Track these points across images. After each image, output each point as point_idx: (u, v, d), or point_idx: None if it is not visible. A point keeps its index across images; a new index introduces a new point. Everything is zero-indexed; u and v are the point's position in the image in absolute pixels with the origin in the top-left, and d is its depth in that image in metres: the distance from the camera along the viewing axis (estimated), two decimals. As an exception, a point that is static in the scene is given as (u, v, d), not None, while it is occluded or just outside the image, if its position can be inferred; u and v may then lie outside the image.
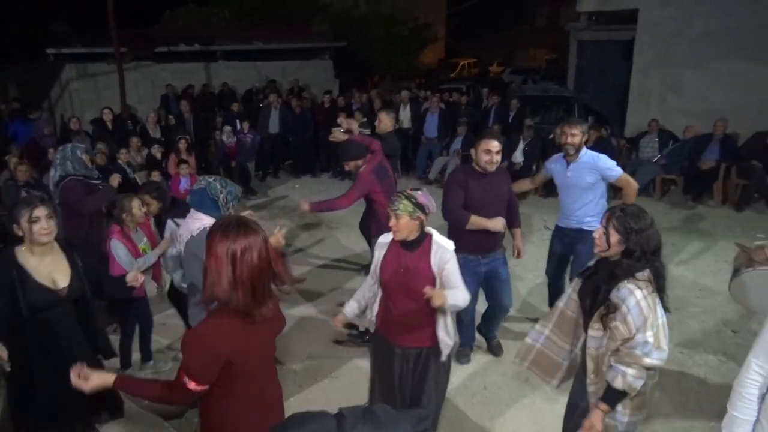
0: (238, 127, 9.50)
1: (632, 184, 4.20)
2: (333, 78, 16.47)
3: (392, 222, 2.76)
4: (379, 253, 2.93)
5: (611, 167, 4.15)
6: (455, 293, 2.75)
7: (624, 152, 9.39)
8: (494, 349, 4.47)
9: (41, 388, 2.67)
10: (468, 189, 3.85)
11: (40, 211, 2.56)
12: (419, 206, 2.73)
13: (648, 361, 2.25)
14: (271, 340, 2.10)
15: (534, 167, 9.15)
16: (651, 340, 2.24)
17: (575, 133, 4.16)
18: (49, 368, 2.63)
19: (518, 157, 9.22)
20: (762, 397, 2.09)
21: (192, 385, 1.86)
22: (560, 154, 4.43)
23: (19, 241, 2.63)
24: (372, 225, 4.76)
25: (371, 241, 4.68)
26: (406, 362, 2.93)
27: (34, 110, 10.23)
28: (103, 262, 3.78)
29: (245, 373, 1.96)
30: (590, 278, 2.52)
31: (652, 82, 10.36)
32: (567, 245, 4.48)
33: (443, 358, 2.93)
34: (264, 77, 14.32)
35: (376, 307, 2.99)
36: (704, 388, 4.00)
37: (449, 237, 2.98)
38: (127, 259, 3.86)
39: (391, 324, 2.92)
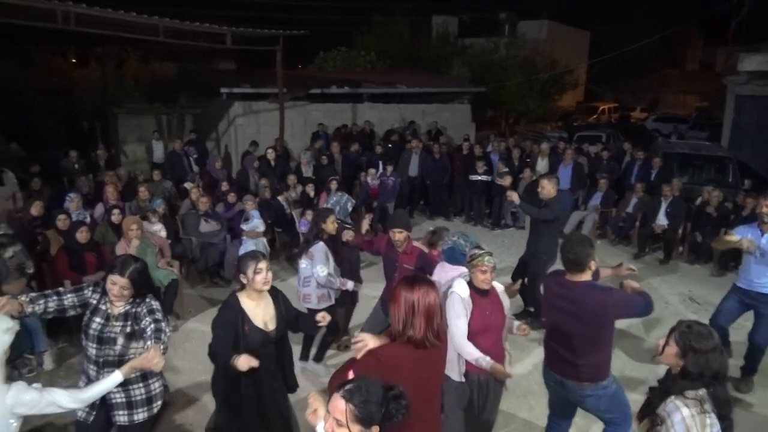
0: (381, 169, 10.12)
1: None
2: (470, 121, 16.84)
3: (486, 276, 3.35)
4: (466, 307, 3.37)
5: None
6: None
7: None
8: None
9: (247, 410, 3.17)
10: None
11: (263, 264, 3.09)
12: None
13: None
14: (436, 371, 2.63)
15: (680, 231, 8.73)
16: None
17: None
18: (253, 395, 3.13)
19: (661, 219, 8.82)
20: None
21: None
22: (751, 224, 4.93)
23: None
24: None
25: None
26: (480, 388, 3.45)
27: (192, 144, 11.51)
28: None
29: None
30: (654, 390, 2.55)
31: (823, 147, 9.51)
32: (746, 305, 4.96)
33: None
34: (404, 119, 15.06)
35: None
36: None
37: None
38: None
39: None
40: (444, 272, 3.93)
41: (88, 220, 6.81)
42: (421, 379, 2.46)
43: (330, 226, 4.77)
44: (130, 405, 3.04)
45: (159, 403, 3.16)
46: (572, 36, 32.78)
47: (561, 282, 3.40)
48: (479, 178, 10.17)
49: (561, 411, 3.69)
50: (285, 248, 8.08)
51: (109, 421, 3.07)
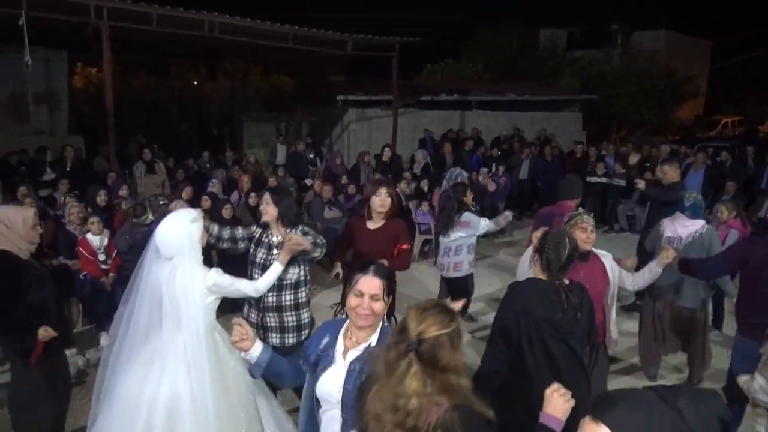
0: (494, 169, 10.23)
1: None
2: (581, 130, 16.48)
3: (587, 235, 3.19)
4: None
5: None
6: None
7: None
8: None
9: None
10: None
11: None
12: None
13: None
14: (384, 240, 4.03)
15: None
16: None
17: None
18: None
19: (799, 225, 8.27)
20: None
21: None
22: None
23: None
24: None
25: None
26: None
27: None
28: None
29: None
30: None
31: None
32: None
33: (611, 352, 3.49)
34: (512, 126, 15.04)
35: None
36: None
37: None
38: None
39: None
40: (681, 225, 4.31)
41: (227, 204, 7.53)
42: (373, 241, 3.87)
43: (469, 198, 5.26)
44: (282, 329, 3.47)
45: (307, 331, 3.53)
46: (692, 46, 30.95)
47: None
48: (598, 180, 10.01)
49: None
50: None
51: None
